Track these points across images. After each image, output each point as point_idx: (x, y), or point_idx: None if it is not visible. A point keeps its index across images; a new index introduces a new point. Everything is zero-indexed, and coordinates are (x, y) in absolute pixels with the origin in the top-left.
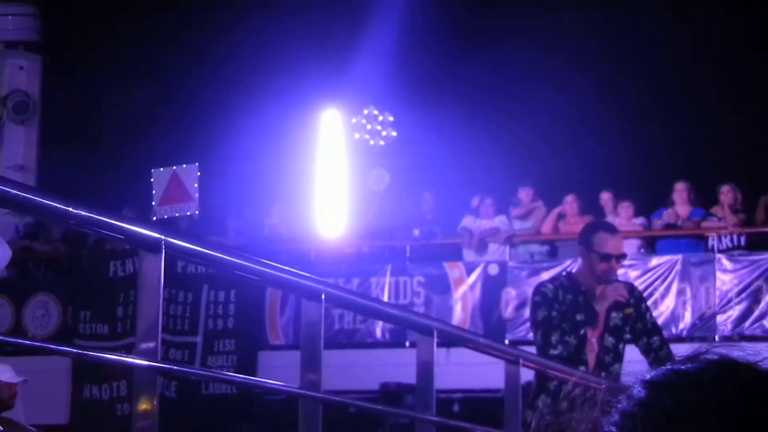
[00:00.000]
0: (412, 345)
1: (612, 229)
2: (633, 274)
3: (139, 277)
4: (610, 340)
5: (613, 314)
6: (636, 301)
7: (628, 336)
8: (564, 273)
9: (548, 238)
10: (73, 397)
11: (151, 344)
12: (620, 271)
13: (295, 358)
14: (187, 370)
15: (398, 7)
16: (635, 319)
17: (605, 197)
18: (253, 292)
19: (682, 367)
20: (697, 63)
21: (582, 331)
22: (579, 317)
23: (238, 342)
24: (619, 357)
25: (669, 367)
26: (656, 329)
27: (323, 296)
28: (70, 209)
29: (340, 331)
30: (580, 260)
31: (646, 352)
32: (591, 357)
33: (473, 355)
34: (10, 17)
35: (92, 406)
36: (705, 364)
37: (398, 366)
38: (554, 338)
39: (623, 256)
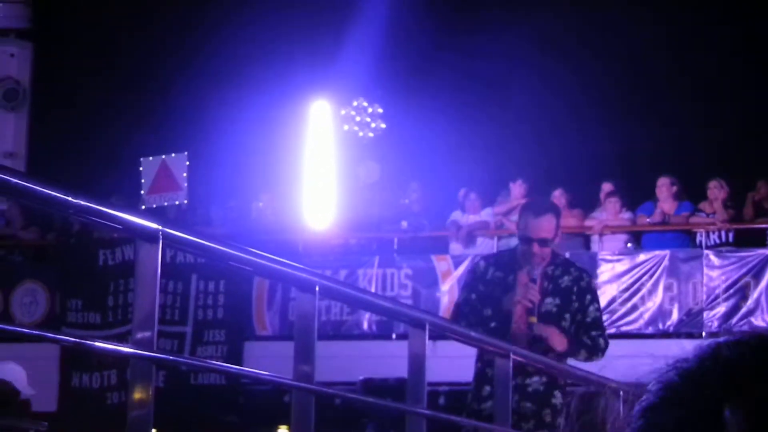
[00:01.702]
0: (399, 337)
1: (538, 211)
2: (620, 268)
3: (136, 267)
4: (549, 302)
5: (548, 300)
6: (580, 291)
7: (566, 324)
8: (508, 249)
9: None
10: (62, 385)
11: (147, 334)
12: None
13: (282, 349)
14: (184, 360)
15: None
16: (576, 310)
17: (606, 188)
18: (242, 283)
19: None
20: (687, 57)
21: (506, 310)
22: (496, 292)
23: (228, 332)
24: (561, 321)
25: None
26: (596, 326)
27: (317, 288)
28: (70, 198)
29: (327, 323)
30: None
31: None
32: (518, 340)
33: (459, 347)
34: (1, 4)
35: (82, 395)
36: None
37: (385, 358)
38: (486, 312)
39: (545, 240)
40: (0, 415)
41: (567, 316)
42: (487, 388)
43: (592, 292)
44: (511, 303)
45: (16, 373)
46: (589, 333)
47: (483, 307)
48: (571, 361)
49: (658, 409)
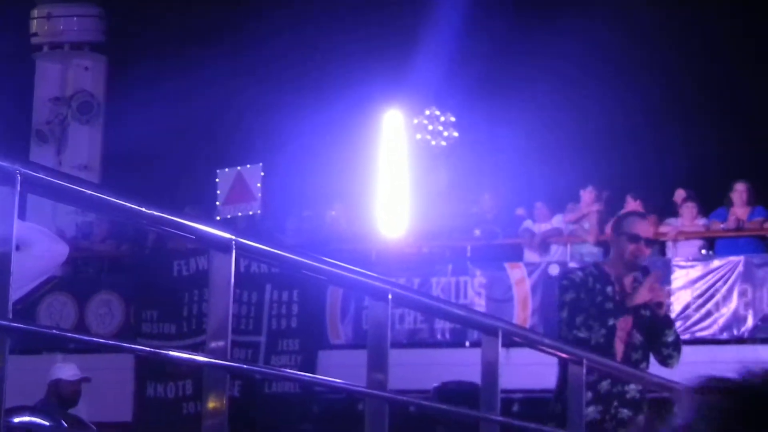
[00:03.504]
0: (473, 345)
1: (642, 215)
2: (695, 274)
3: (210, 276)
4: (638, 337)
5: (642, 311)
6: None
7: (647, 349)
8: (592, 263)
9: (606, 239)
10: (137, 395)
11: (221, 343)
12: (680, 274)
13: (356, 358)
14: (257, 369)
15: (459, 6)
16: (656, 334)
17: (679, 194)
18: (315, 292)
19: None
20: (763, 60)
21: (610, 322)
22: (608, 306)
23: (302, 342)
24: (646, 356)
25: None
26: (669, 323)
27: (390, 296)
28: (143, 209)
29: (401, 331)
30: (611, 251)
31: (651, 345)
32: (619, 351)
33: (532, 354)
34: (75, 18)
35: (157, 405)
36: None
37: (458, 366)
38: (579, 320)
39: (653, 241)
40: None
41: (650, 341)
42: (589, 394)
43: (669, 314)
44: (620, 311)
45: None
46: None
47: (589, 308)
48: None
49: None
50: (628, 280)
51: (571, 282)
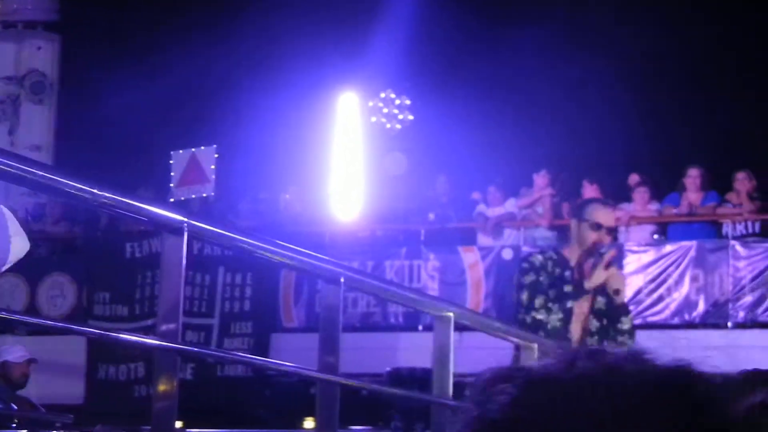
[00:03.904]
0: (425, 329)
1: (605, 202)
2: (647, 259)
3: (162, 259)
4: (594, 323)
5: (599, 298)
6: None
7: (607, 321)
8: (552, 248)
9: (560, 224)
10: (88, 378)
11: (172, 326)
12: (632, 259)
13: (308, 341)
14: (209, 351)
15: None
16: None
17: (633, 179)
18: (269, 275)
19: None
20: (716, 48)
21: (568, 305)
22: (567, 289)
23: (255, 324)
24: (601, 343)
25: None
26: (626, 311)
27: (342, 280)
28: (95, 191)
29: (354, 315)
30: (572, 236)
31: (607, 332)
32: (575, 334)
33: (486, 338)
34: None
35: (108, 387)
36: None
37: (412, 349)
38: (538, 302)
39: (614, 229)
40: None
41: (611, 312)
42: None
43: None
44: (579, 293)
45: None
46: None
47: (548, 290)
48: None
49: None
50: (587, 266)
51: (531, 265)
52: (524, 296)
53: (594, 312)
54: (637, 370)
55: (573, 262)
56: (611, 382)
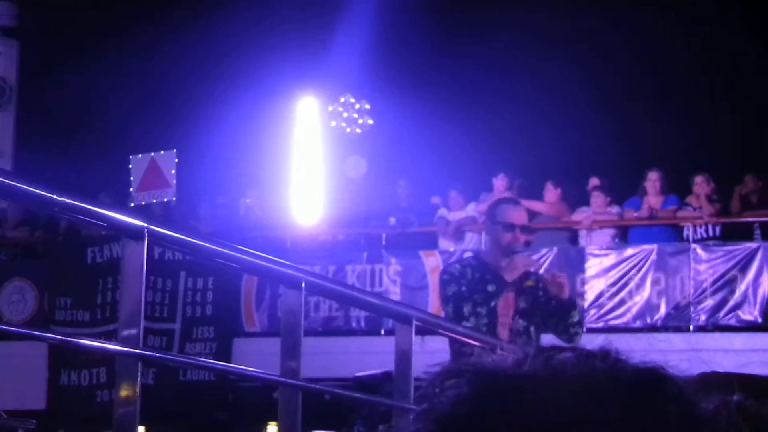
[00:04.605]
0: (387, 333)
1: (515, 202)
2: (608, 263)
3: (122, 264)
4: (520, 323)
5: (522, 297)
6: (544, 287)
7: (537, 320)
8: (471, 254)
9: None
10: (51, 383)
11: (133, 331)
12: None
13: (270, 346)
14: (170, 357)
15: None
16: (543, 303)
17: (592, 183)
18: (231, 280)
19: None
20: (674, 52)
21: (492, 304)
22: (490, 288)
23: (217, 329)
24: (531, 341)
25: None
26: (573, 305)
27: (304, 284)
28: (55, 196)
29: (316, 319)
30: (488, 239)
31: (555, 327)
32: (502, 336)
33: (447, 342)
34: None
35: (71, 392)
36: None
37: (373, 354)
38: (466, 310)
39: (527, 227)
40: None
41: (538, 312)
42: None
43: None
44: (501, 287)
45: None
46: (569, 313)
47: (473, 296)
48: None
49: None
50: (504, 264)
51: (451, 276)
52: (450, 308)
53: (519, 312)
54: (590, 367)
55: (492, 265)
56: (558, 379)
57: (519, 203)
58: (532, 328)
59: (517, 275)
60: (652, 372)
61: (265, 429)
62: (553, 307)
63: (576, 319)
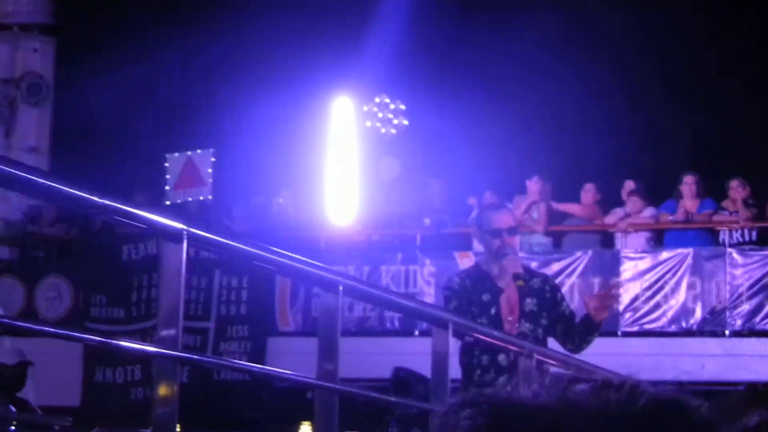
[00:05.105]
0: (422, 334)
1: (497, 207)
2: (643, 266)
3: (160, 266)
4: (526, 326)
5: (528, 300)
6: (551, 290)
7: (545, 322)
8: (473, 264)
9: (556, 229)
10: (85, 380)
11: (172, 332)
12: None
13: (305, 345)
14: (209, 359)
15: None
16: (552, 307)
17: (628, 186)
18: (265, 279)
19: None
20: (711, 55)
21: (492, 311)
22: (485, 297)
23: (251, 328)
24: (539, 344)
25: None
26: (573, 316)
27: (341, 288)
28: (95, 198)
29: (350, 319)
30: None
31: (565, 334)
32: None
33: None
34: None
35: (105, 389)
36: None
37: (408, 354)
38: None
39: (513, 228)
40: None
41: (545, 314)
42: (492, 375)
43: (560, 290)
44: (496, 295)
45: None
46: (575, 321)
47: (471, 308)
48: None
49: None
50: (496, 268)
51: (451, 291)
52: None
53: (525, 316)
54: (605, 399)
55: (490, 273)
56: (573, 412)
57: (503, 207)
58: (539, 331)
59: (509, 279)
60: (669, 403)
61: (299, 428)
62: (565, 313)
63: (593, 338)
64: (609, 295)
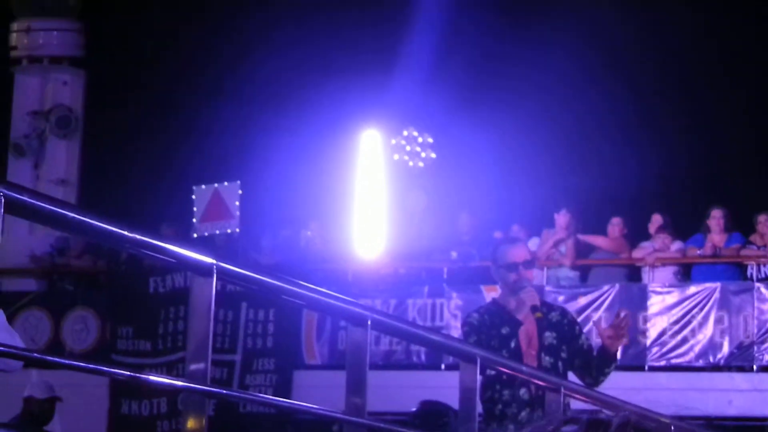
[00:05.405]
0: (448, 368)
1: (512, 240)
2: (670, 300)
3: (190, 300)
4: (547, 359)
5: (547, 333)
6: (569, 323)
7: (564, 355)
8: (491, 300)
9: (583, 263)
10: (111, 413)
11: (201, 366)
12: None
13: (331, 379)
14: (238, 394)
15: (436, 27)
16: (571, 340)
17: (655, 221)
18: (291, 312)
19: None
20: (740, 90)
21: (512, 344)
22: (504, 331)
23: (277, 361)
24: (559, 377)
25: None
26: (591, 349)
27: (369, 322)
28: (125, 232)
29: (376, 352)
30: (499, 284)
31: (583, 368)
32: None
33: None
34: (54, 32)
35: (131, 422)
36: None
37: (434, 389)
38: None
39: (529, 261)
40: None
41: (564, 347)
42: (514, 409)
43: (579, 323)
44: (514, 328)
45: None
46: (593, 355)
47: (490, 342)
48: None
49: None
50: (513, 303)
51: (470, 327)
52: None
53: (545, 349)
54: None
55: (507, 307)
56: None
57: (517, 241)
58: (559, 364)
59: (527, 311)
60: None
61: None
62: (583, 347)
63: (609, 369)
64: (621, 324)
